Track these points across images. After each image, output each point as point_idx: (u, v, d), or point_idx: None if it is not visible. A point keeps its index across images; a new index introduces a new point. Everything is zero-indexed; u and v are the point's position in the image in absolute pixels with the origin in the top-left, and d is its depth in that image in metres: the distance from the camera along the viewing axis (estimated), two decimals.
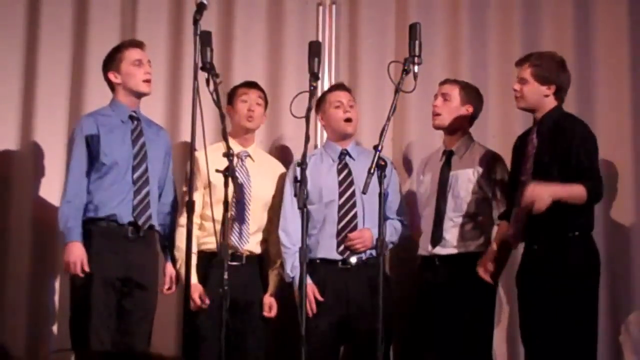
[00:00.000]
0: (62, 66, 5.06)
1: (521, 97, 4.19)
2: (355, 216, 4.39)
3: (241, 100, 4.51)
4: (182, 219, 4.26)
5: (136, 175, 4.23)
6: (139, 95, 4.34)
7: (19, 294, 4.87)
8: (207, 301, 4.24)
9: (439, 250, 4.37)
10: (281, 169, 4.64)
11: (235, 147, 4.41)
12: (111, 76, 4.32)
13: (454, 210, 4.39)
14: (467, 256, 4.34)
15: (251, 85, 4.60)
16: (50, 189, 4.92)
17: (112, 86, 4.35)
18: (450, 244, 4.37)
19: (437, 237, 4.38)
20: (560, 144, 4.05)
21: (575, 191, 3.95)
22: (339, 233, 4.38)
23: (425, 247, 4.43)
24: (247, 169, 4.46)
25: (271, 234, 4.48)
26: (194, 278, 4.21)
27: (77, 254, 4.10)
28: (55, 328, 4.83)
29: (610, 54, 4.91)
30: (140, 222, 4.19)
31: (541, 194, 3.91)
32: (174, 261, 4.36)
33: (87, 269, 4.09)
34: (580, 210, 4.01)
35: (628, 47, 4.89)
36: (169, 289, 4.37)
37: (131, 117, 4.31)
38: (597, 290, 4.08)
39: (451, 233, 4.37)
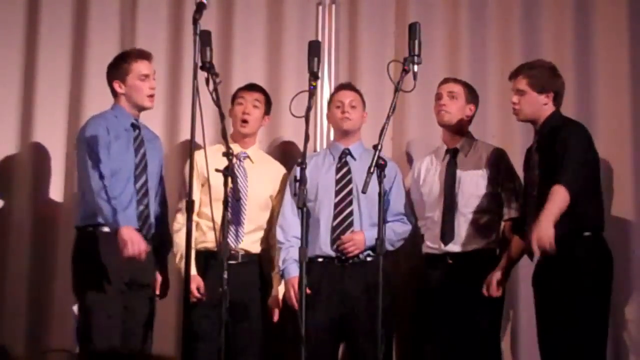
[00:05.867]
0: (61, 66, 5.05)
1: (520, 109, 4.17)
2: (350, 214, 4.39)
3: (237, 104, 4.53)
4: (181, 218, 4.28)
5: (138, 185, 4.19)
6: (142, 108, 4.31)
7: (19, 294, 4.87)
8: (202, 296, 4.24)
9: (452, 247, 4.35)
10: (282, 170, 4.62)
11: (235, 148, 4.38)
12: (115, 85, 4.25)
13: (465, 207, 4.38)
14: (480, 253, 4.34)
15: (250, 87, 4.58)
16: (50, 190, 4.92)
17: (114, 93, 4.29)
18: (464, 241, 4.35)
19: (449, 234, 4.37)
20: (554, 150, 4.03)
21: (558, 200, 3.91)
22: (333, 230, 4.38)
23: (434, 245, 4.42)
24: (245, 170, 4.45)
25: (273, 236, 4.47)
26: (193, 270, 4.20)
27: (134, 234, 3.98)
28: (55, 328, 4.83)
29: (610, 55, 4.91)
30: (143, 232, 4.13)
31: (541, 236, 3.87)
32: (165, 264, 4.34)
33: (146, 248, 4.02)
34: (590, 209, 4.03)
35: (628, 48, 4.88)
36: (160, 294, 4.35)
37: (133, 126, 4.27)
38: (610, 292, 4.07)
39: (464, 229, 4.36)
